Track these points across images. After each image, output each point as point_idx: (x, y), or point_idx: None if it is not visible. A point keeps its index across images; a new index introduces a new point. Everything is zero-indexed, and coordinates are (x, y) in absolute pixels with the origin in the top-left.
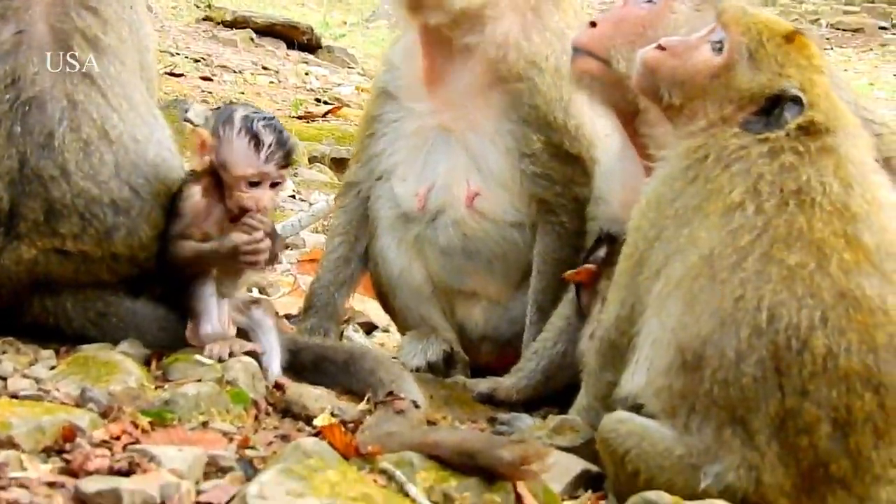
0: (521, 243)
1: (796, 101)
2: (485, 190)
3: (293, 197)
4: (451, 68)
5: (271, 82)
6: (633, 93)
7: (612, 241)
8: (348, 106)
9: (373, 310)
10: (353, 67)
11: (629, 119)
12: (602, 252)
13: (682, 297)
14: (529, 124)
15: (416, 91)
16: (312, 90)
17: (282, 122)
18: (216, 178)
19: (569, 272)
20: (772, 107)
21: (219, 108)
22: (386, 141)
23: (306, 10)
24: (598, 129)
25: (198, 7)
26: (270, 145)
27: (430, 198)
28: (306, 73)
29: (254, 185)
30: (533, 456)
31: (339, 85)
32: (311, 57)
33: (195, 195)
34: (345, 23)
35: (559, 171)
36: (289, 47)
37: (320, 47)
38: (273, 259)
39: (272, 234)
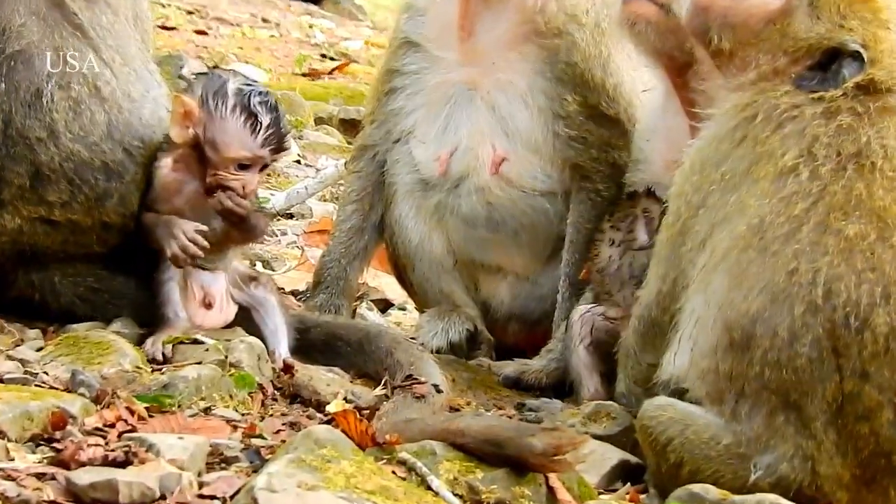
0: (552, 213)
1: (856, 56)
2: (512, 154)
3: (298, 162)
4: (483, 17)
5: (272, 36)
6: (689, 41)
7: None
8: (356, 62)
9: (388, 285)
10: (361, 20)
11: (680, 72)
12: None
13: (730, 270)
14: (565, 83)
15: (444, 38)
16: (317, 45)
17: (285, 80)
18: (197, 153)
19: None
20: (829, 62)
21: (205, 73)
22: (405, 97)
23: None
24: (637, 87)
25: None
26: (269, 127)
27: (452, 162)
28: (310, 26)
29: (244, 167)
30: (566, 445)
31: (346, 39)
32: (314, 8)
33: (164, 167)
34: None
35: (595, 134)
36: None
37: None
38: (256, 235)
39: (250, 218)
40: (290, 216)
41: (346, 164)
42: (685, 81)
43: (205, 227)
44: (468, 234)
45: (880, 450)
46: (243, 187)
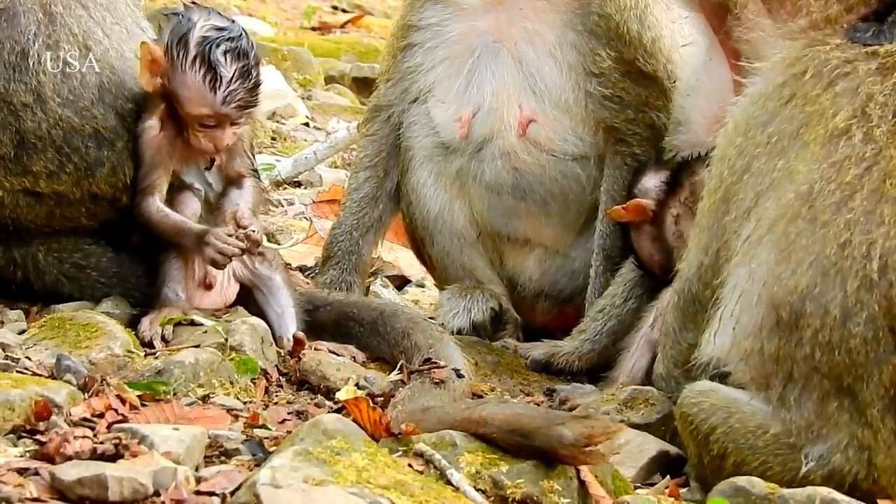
0: (584, 179)
1: None
2: (541, 115)
3: (307, 125)
4: None
5: None
6: None
7: (684, 168)
8: (371, 14)
9: (405, 260)
10: None
11: (722, 19)
12: (657, 179)
13: (776, 242)
14: (598, 37)
15: None
16: None
17: (293, 35)
18: (172, 105)
19: (615, 207)
20: (886, 12)
21: (176, 13)
22: (423, 53)
23: None
24: (677, 41)
25: None
26: (231, 82)
27: (474, 124)
28: None
29: (208, 125)
30: (600, 434)
31: None
32: None
33: (152, 129)
34: None
35: (632, 93)
36: None
37: None
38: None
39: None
40: (298, 184)
41: (358, 126)
42: (727, 30)
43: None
44: (492, 203)
45: None
46: (214, 145)
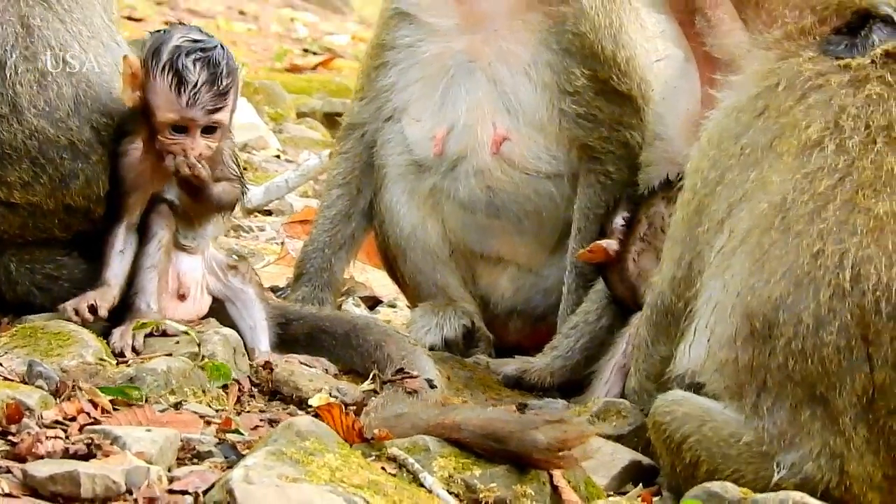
0: (558, 197)
1: (888, 21)
2: (515, 133)
3: (278, 157)
4: None
5: (249, 29)
6: None
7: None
8: (342, 57)
9: (377, 280)
10: (347, 14)
11: (690, 23)
12: (620, 218)
13: (750, 253)
14: (573, 55)
15: (440, 3)
16: (299, 39)
17: (264, 74)
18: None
19: (581, 251)
20: (859, 25)
21: (158, 31)
22: (398, 72)
23: None
24: (651, 60)
25: None
26: (196, 85)
27: (448, 141)
28: (291, 20)
29: (179, 130)
30: (573, 439)
31: (330, 34)
32: (297, 1)
33: (135, 151)
34: None
35: (606, 111)
36: None
37: None
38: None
39: (206, 184)
40: (269, 213)
41: (330, 153)
42: (699, 34)
43: None
44: (466, 221)
45: None
46: (185, 152)
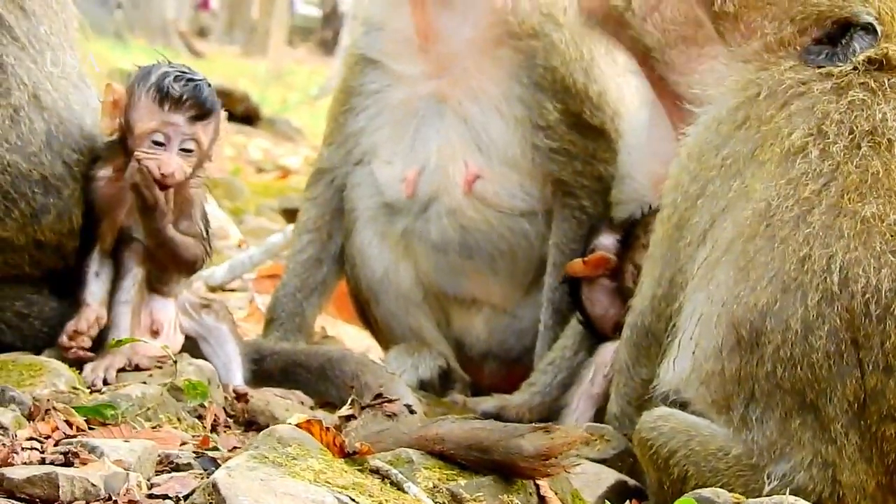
0: (532, 236)
1: (869, 29)
2: (487, 171)
3: (239, 246)
4: (448, 21)
5: None
6: (640, 31)
7: (638, 223)
8: (296, 174)
9: (348, 335)
10: (299, 141)
11: (648, 66)
12: (612, 238)
13: (735, 262)
14: (544, 90)
15: (405, 51)
16: (252, 161)
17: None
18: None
19: (573, 261)
20: (839, 34)
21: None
22: (366, 117)
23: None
24: (623, 94)
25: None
26: (181, 96)
27: (420, 183)
28: (244, 146)
29: (158, 143)
30: (560, 446)
31: (284, 156)
32: (249, 129)
33: (103, 178)
34: (285, 101)
35: (579, 145)
36: None
37: (260, 119)
38: (201, 259)
39: (159, 204)
40: (233, 291)
41: (292, 229)
42: (659, 76)
43: None
44: (439, 263)
45: None
46: (158, 167)
